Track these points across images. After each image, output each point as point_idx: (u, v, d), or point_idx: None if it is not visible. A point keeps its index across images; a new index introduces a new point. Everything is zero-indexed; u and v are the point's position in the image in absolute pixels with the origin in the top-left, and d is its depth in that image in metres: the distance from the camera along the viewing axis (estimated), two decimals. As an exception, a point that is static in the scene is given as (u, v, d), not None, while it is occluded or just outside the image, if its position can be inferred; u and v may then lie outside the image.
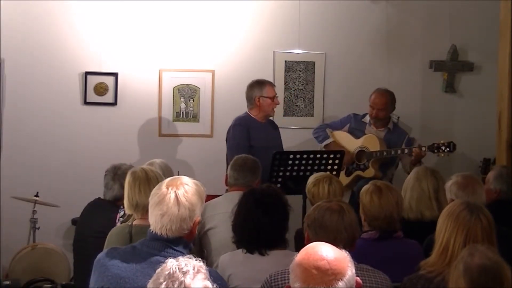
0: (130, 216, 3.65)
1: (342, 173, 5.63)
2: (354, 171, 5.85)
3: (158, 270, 2.17)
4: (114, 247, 2.91)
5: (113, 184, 4.30)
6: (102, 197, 4.40)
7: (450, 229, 2.84)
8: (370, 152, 5.81)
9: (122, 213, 3.94)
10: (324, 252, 2.16)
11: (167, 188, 2.77)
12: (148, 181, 3.47)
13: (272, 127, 5.83)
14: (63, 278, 5.39)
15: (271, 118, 5.85)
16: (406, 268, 3.12)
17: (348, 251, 2.24)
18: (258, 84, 5.70)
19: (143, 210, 3.40)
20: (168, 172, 4.39)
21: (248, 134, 5.61)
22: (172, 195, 2.75)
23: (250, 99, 5.69)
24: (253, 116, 5.70)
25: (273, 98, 5.67)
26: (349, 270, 2.14)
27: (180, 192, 2.76)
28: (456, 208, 2.89)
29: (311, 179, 4.41)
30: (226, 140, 5.75)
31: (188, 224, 2.76)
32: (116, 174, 4.31)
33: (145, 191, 3.42)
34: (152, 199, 2.80)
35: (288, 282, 2.91)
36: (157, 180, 3.44)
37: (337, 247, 2.23)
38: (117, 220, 3.97)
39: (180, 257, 2.18)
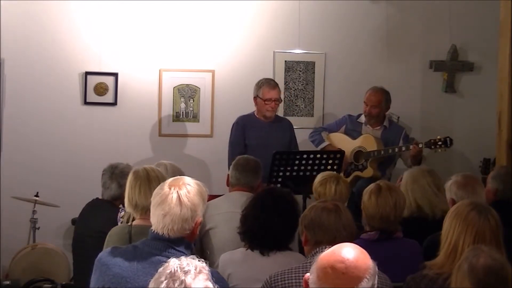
0: (129, 216, 3.65)
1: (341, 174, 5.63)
2: (353, 171, 5.85)
3: (160, 269, 2.17)
4: (116, 247, 2.91)
5: (110, 184, 4.29)
6: (100, 197, 4.40)
7: (458, 230, 2.82)
8: (367, 152, 5.81)
9: (122, 213, 3.92)
10: (348, 255, 2.14)
11: (170, 188, 2.77)
12: (149, 181, 3.43)
13: (279, 127, 5.84)
14: (63, 278, 5.39)
15: (286, 118, 6.08)
16: (406, 268, 3.12)
17: None
18: (257, 84, 5.78)
19: (142, 210, 3.40)
20: (177, 173, 4.37)
21: (243, 132, 5.73)
22: (174, 195, 2.74)
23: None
24: (256, 114, 5.78)
25: (265, 100, 5.68)
26: (365, 281, 2.11)
27: (182, 192, 2.75)
28: (464, 209, 2.86)
29: (318, 178, 4.38)
30: None
31: (190, 224, 2.75)
32: (113, 173, 4.29)
33: (145, 191, 3.39)
34: (154, 199, 2.79)
35: (288, 283, 2.94)
36: (159, 181, 3.40)
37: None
38: (118, 220, 3.96)
39: (183, 257, 2.18)
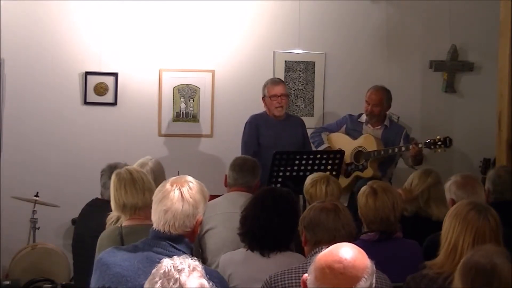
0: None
1: (342, 174, 5.61)
2: (353, 172, 5.84)
3: (154, 270, 2.17)
4: (116, 246, 2.92)
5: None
6: (99, 197, 4.39)
7: (458, 230, 2.83)
8: (367, 152, 5.80)
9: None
10: (345, 255, 2.14)
11: (171, 186, 2.78)
12: (133, 181, 3.45)
13: (290, 125, 5.84)
14: (63, 278, 5.39)
15: (297, 115, 6.15)
16: (406, 269, 3.12)
17: None
18: (263, 85, 5.82)
19: (131, 210, 3.42)
20: (160, 171, 4.43)
21: (257, 132, 5.73)
22: (176, 192, 2.76)
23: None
24: (267, 113, 5.80)
25: (271, 97, 5.70)
26: (363, 281, 2.11)
27: (184, 189, 2.77)
28: (463, 208, 2.87)
29: (308, 180, 4.36)
30: None
31: (191, 221, 2.76)
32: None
33: (131, 191, 3.42)
34: (156, 196, 2.81)
35: (288, 283, 2.94)
36: (143, 181, 3.46)
37: None
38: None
39: (175, 256, 2.19)
